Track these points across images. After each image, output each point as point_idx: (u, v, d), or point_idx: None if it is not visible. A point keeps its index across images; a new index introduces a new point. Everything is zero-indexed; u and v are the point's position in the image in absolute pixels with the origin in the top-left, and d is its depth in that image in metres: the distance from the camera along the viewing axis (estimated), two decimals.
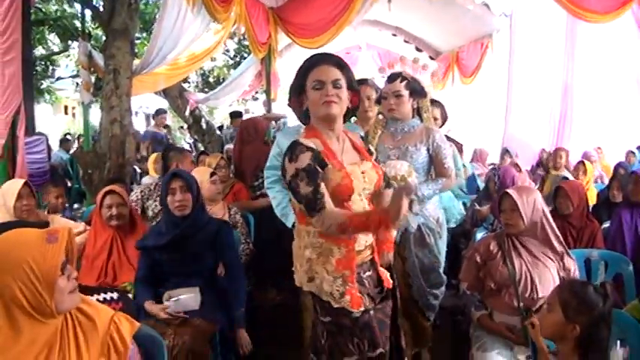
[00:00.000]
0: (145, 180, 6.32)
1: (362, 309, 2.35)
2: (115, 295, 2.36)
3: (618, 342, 2.65)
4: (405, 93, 3.51)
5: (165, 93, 11.38)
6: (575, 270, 3.09)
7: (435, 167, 3.58)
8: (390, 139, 3.57)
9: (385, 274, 2.56)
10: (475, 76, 12.17)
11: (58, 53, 15.23)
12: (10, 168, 4.26)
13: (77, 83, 14.09)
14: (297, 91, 2.46)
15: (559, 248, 3.07)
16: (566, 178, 5.51)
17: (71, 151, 11.09)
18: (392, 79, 3.53)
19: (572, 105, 9.66)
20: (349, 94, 2.43)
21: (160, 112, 10.82)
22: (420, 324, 3.63)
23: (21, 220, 3.44)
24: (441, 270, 3.67)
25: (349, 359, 2.36)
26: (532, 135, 9.57)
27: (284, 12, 9.65)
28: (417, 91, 3.58)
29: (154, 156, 6.43)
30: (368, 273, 2.50)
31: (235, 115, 11.39)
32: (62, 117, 25.06)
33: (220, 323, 3.20)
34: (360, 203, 2.38)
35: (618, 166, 6.03)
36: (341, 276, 2.35)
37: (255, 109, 22.28)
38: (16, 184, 3.61)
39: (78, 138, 12.97)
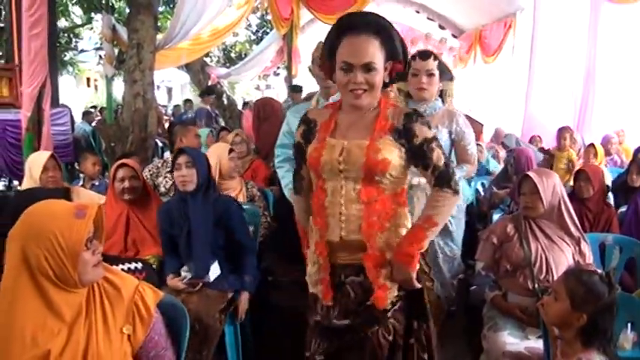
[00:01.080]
0: (168, 154, 6.43)
1: (329, 304, 2.20)
2: (139, 265, 2.45)
3: (629, 325, 2.70)
4: (437, 73, 3.40)
5: (187, 67, 11.53)
6: (590, 255, 3.12)
7: (457, 152, 3.50)
8: None
9: (384, 290, 2.18)
10: (497, 55, 12.15)
11: (81, 26, 15.37)
12: (37, 140, 4.36)
13: (100, 56, 14.23)
14: (329, 56, 2.16)
15: (575, 233, 3.10)
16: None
17: (93, 124, 11.21)
18: (425, 56, 3.39)
19: (594, 87, 9.53)
20: (389, 64, 2.13)
21: (208, 93, 10.92)
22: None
23: (40, 188, 3.53)
24: (460, 257, 3.67)
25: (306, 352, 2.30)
26: (553, 117, 9.45)
27: None
28: (444, 73, 3.49)
29: None
30: (353, 277, 2.21)
31: (295, 90, 11.19)
32: (85, 89, 25.32)
33: (233, 293, 3.25)
34: (337, 183, 2.14)
35: (638, 150, 5.94)
36: (317, 262, 2.24)
37: (276, 85, 22.39)
38: (42, 157, 3.71)
39: (101, 110, 13.10)
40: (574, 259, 3.04)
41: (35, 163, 3.68)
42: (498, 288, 3.13)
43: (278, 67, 14.90)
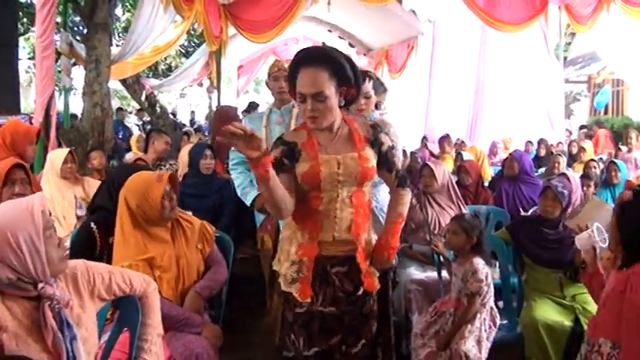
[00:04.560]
0: (128, 155, 7.41)
1: (307, 301, 2.41)
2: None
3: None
4: (372, 93, 3.77)
5: (123, 78, 12.27)
6: None
7: None
8: None
9: (372, 276, 2.53)
10: (402, 72, 13.64)
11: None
12: (46, 140, 5.36)
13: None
14: (292, 85, 2.40)
15: (457, 203, 4.49)
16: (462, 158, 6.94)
17: None
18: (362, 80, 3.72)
19: (483, 101, 11.20)
20: (343, 90, 2.38)
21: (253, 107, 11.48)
22: None
23: (130, 164, 4.57)
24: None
25: (287, 353, 2.48)
26: (449, 126, 10.75)
27: (234, 9, 10.54)
28: (378, 87, 3.84)
29: (136, 136, 7.56)
30: (339, 268, 2.48)
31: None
32: None
33: None
34: (333, 192, 2.41)
35: (514, 152, 7.59)
36: (298, 262, 2.43)
37: (192, 94, 23.42)
38: (62, 152, 4.63)
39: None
40: None
41: (57, 157, 4.57)
42: (405, 241, 4.46)
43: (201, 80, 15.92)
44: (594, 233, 2.83)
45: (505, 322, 3.68)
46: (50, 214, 1.94)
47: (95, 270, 2.12)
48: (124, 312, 2.35)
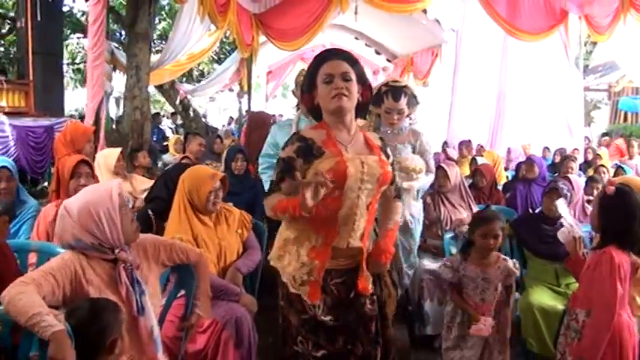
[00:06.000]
0: (167, 157, 7.94)
1: (316, 303, 2.42)
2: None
3: None
4: (406, 108, 3.94)
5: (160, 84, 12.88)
6: None
7: None
8: None
9: (367, 280, 2.55)
10: (427, 78, 14.02)
11: None
12: (95, 140, 5.90)
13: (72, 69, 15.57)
14: (308, 88, 2.46)
15: (468, 202, 4.92)
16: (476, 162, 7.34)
17: None
18: (398, 97, 3.86)
19: (504, 108, 11.48)
20: (359, 88, 2.43)
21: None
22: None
23: (188, 163, 4.92)
24: (416, 252, 4.35)
25: (297, 348, 2.49)
26: (471, 132, 11.00)
27: (265, 18, 10.88)
28: (411, 101, 3.99)
29: (173, 138, 8.08)
30: (337, 280, 2.49)
31: None
32: None
33: None
34: (354, 195, 2.38)
35: (534, 156, 7.98)
36: (310, 265, 2.41)
37: (221, 98, 24.08)
38: (115, 152, 5.13)
39: None
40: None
41: (110, 156, 5.06)
42: (421, 236, 4.87)
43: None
44: (567, 223, 3.30)
45: None
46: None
47: (160, 242, 2.68)
48: (181, 277, 2.89)
